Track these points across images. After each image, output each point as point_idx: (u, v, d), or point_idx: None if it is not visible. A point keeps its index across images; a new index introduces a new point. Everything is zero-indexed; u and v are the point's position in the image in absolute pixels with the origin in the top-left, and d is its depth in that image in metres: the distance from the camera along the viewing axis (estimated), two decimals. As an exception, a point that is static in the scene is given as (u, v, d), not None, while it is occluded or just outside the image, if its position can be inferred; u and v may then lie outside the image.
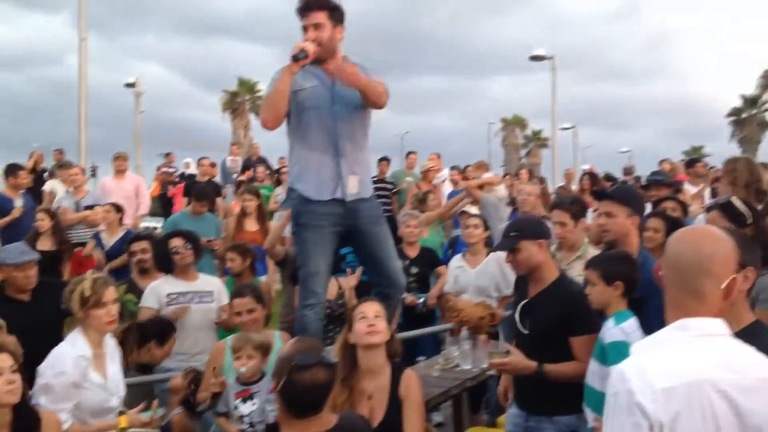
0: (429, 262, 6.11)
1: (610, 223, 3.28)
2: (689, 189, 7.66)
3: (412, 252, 6.09)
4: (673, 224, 3.86)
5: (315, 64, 3.62)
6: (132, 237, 5.78)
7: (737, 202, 3.41)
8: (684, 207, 4.81)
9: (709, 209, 3.65)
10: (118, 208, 7.23)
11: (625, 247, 3.18)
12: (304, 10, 3.59)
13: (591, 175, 9.77)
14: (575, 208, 4.59)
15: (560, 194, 9.44)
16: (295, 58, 3.44)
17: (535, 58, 19.64)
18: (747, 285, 2.27)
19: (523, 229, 3.31)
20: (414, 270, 5.96)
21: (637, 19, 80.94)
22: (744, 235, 2.49)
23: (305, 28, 3.58)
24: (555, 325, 3.11)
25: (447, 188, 9.47)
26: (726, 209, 3.38)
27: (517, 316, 3.32)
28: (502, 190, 7.79)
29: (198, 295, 4.70)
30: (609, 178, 10.09)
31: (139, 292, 4.83)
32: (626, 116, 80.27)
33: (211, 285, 4.88)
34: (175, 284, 4.72)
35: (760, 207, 3.93)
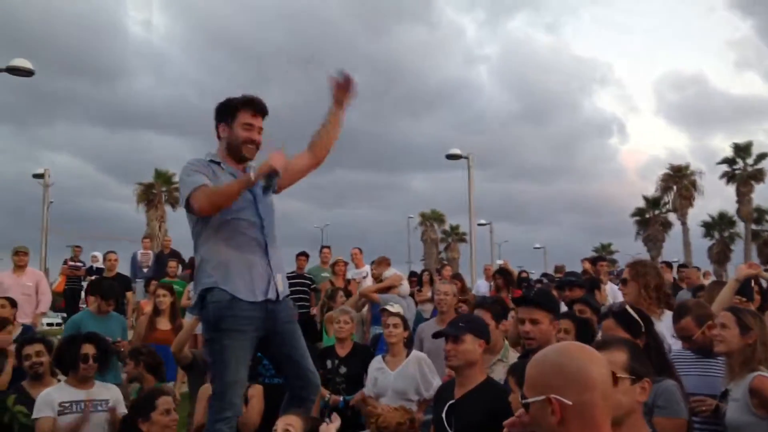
0: (362, 361, 5.69)
1: (534, 330, 3.28)
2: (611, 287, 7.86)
3: (343, 350, 5.85)
4: (583, 325, 3.91)
5: (235, 162, 3.64)
6: (24, 339, 5.32)
7: (632, 310, 3.45)
8: (594, 308, 4.84)
9: (603, 317, 3.62)
10: (13, 303, 6.74)
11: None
12: (257, 110, 3.61)
13: (503, 271, 9.85)
14: (497, 308, 4.58)
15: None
16: (269, 180, 3.41)
17: (452, 157, 20.28)
18: (644, 397, 2.27)
19: (472, 324, 3.42)
20: (343, 370, 5.72)
21: (547, 122, 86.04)
22: (637, 345, 2.53)
23: (248, 126, 3.58)
24: (483, 422, 3.07)
25: (369, 283, 9.36)
26: (621, 318, 3.35)
27: (443, 416, 3.31)
28: (405, 289, 7.82)
29: (93, 403, 4.36)
30: (521, 280, 10.19)
31: (30, 402, 4.41)
32: (539, 213, 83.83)
33: (108, 393, 4.53)
34: (69, 392, 4.37)
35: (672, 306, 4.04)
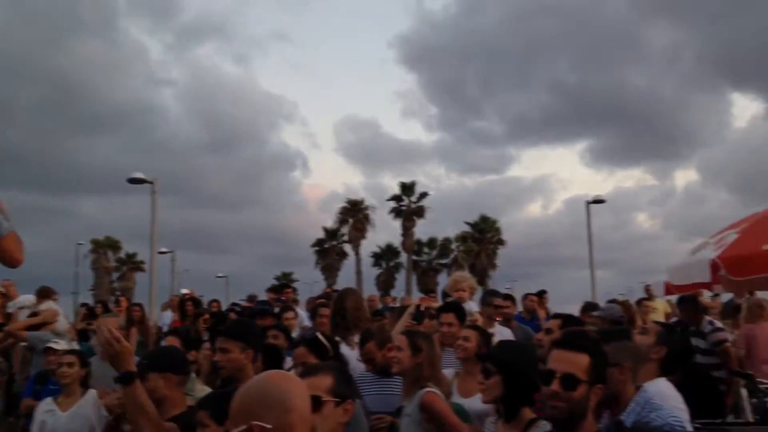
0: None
1: (224, 359, 3.25)
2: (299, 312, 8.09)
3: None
4: (272, 352, 4.01)
5: None
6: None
7: (322, 337, 3.71)
8: (288, 335, 5.00)
9: (296, 344, 3.90)
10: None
11: (242, 382, 3.13)
12: None
13: (193, 300, 9.64)
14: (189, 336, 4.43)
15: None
16: None
17: (135, 181, 19.19)
18: (346, 417, 2.42)
19: (154, 360, 3.25)
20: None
21: (234, 153, 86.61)
22: (344, 370, 2.67)
23: None
24: None
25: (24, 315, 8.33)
26: (311, 344, 3.68)
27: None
28: (61, 324, 7.32)
29: None
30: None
31: None
32: (223, 242, 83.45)
33: None
34: None
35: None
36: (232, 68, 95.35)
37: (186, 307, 9.08)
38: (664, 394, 2.86)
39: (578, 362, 2.25)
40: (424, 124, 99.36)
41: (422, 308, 5.52)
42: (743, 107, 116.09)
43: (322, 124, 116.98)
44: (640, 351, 2.88)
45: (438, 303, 5.88)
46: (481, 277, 47.22)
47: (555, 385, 2.22)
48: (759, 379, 6.78)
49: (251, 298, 12.63)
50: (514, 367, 2.77)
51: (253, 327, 3.77)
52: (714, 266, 4.91)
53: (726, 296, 10.33)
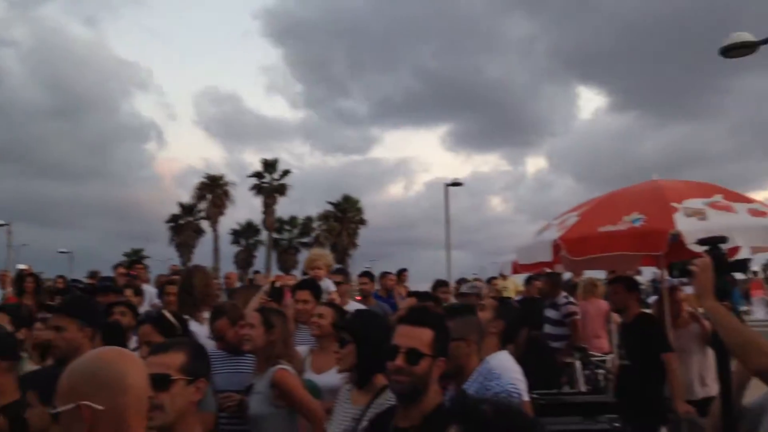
0: None
1: (59, 338, 3.01)
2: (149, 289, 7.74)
3: None
4: (114, 330, 3.87)
5: None
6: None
7: (169, 315, 3.58)
8: (135, 312, 4.79)
9: (141, 322, 3.80)
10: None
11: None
12: None
13: (33, 275, 8.92)
14: (19, 314, 4.11)
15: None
16: None
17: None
18: (199, 395, 2.33)
19: None
20: None
21: (81, 121, 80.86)
22: (199, 347, 2.56)
23: None
24: None
25: None
26: (158, 322, 3.58)
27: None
28: None
29: None
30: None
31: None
32: (66, 216, 77.99)
33: None
34: None
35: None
36: (81, 30, 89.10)
37: (25, 283, 8.38)
38: (504, 366, 3.01)
39: (421, 337, 2.31)
40: (289, 101, 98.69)
41: (278, 285, 5.46)
42: (588, 100, 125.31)
43: (180, 95, 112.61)
44: (484, 325, 3.01)
45: (294, 280, 5.83)
46: (342, 256, 47.70)
47: (399, 360, 2.27)
48: (591, 352, 7.38)
49: (93, 275, 11.93)
50: (367, 335, 2.83)
51: (92, 304, 3.53)
52: (556, 247, 5.20)
53: (567, 276, 11.18)
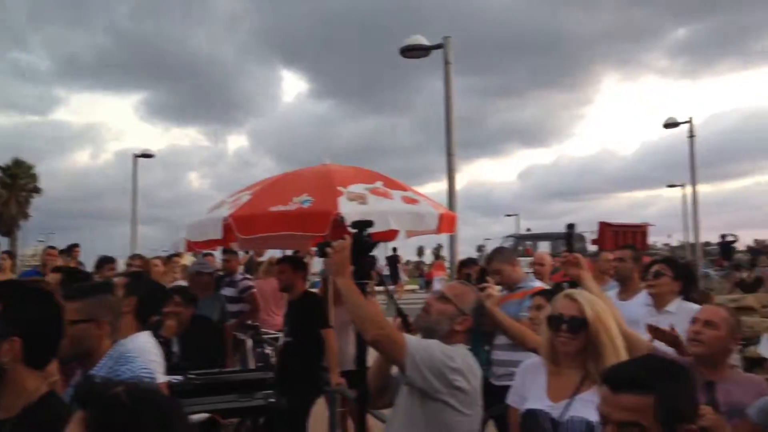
0: None
1: None
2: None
3: None
4: None
5: None
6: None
7: None
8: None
9: None
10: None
11: None
12: None
13: None
14: None
15: None
16: None
17: None
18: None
19: None
20: None
21: None
22: None
23: None
24: None
25: None
26: None
27: None
28: None
29: None
30: None
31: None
32: None
33: None
34: None
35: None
36: None
37: None
38: (142, 348, 2.85)
39: None
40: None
41: None
42: (291, 84, 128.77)
43: None
44: (120, 306, 2.80)
45: None
46: (10, 227, 42.19)
47: None
48: (264, 329, 7.54)
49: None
50: None
51: None
52: (226, 225, 5.15)
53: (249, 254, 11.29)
